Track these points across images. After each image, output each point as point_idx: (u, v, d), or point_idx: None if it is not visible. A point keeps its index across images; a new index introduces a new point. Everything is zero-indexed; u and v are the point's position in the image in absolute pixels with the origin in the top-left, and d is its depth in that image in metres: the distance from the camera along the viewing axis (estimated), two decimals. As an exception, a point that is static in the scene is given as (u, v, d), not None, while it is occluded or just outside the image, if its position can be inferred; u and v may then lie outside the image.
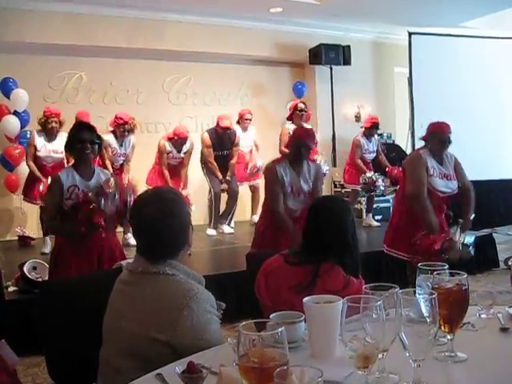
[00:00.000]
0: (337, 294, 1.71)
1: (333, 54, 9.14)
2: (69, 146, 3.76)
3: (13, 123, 7.01)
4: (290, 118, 7.75)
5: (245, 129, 7.86)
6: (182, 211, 1.97)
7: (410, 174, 4.35)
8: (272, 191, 4.21)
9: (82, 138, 3.61)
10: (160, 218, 1.88)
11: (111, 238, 3.79)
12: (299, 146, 4.22)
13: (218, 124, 7.35)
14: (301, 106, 7.78)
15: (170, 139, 7.18)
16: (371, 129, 7.92)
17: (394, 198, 4.67)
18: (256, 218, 8.14)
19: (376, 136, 8.12)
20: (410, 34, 9.13)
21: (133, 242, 6.35)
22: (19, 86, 7.16)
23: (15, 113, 7.08)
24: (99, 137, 3.77)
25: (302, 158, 4.25)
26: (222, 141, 7.42)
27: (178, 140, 7.11)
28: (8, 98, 7.14)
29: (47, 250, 6.25)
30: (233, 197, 7.64)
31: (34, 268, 4.67)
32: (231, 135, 7.45)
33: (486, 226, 7.40)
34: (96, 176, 3.68)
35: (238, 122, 7.85)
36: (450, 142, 4.39)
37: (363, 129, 8.03)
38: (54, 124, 6.31)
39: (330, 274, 2.28)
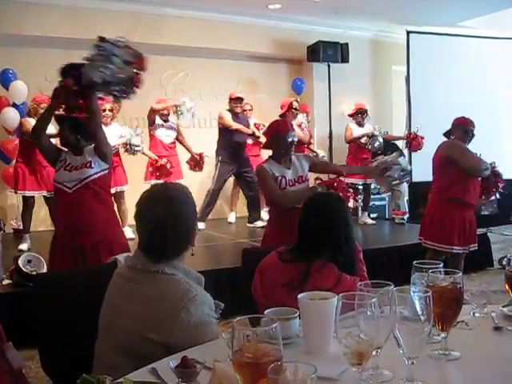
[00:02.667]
0: (328, 291, 1.71)
1: (331, 52, 9.14)
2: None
3: (12, 116, 6.97)
4: (283, 115, 7.63)
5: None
6: (190, 212, 1.95)
7: (462, 154, 4.71)
8: (267, 185, 3.87)
9: None
10: (168, 219, 1.85)
11: (110, 234, 3.75)
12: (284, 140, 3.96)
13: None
14: (295, 104, 7.80)
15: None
16: (355, 115, 8.04)
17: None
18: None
19: (369, 125, 8.15)
20: (408, 32, 9.14)
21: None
22: (17, 78, 7.14)
23: (14, 105, 7.06)
24: None
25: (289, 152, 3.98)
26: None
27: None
28: (7, 89, 7.12)
29: (25, 246, 6.22)
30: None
31: (29, 261, 4.66)
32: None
33: (481, 226, 7.41)
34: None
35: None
36: (473, 134, 4.83)
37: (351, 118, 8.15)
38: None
39: (322, 271, 2.24)
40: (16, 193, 6.49)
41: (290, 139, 3.87)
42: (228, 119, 7.35)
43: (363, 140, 7.90)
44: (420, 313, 1.31)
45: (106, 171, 3.77)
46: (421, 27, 9.23)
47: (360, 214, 8.13)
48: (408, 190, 8.36)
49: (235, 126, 7.29)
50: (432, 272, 1.58)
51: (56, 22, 7.42)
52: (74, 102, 3.67)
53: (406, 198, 8.58)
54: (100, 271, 2.34)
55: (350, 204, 4.35)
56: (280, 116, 7.68)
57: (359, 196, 8.22)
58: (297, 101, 7.96)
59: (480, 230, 6.84)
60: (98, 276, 2.11)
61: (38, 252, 4.92)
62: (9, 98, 7.11)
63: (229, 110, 7.47)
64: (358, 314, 1.29)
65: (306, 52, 9.28)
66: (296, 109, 7.77)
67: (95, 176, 3.71)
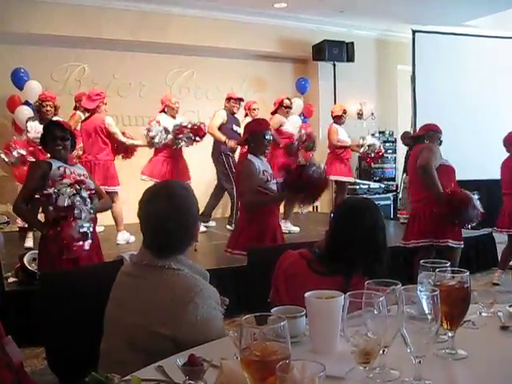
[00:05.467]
0: None
1: (336, 51, 9.14)
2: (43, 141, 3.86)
3: (26, 114, 6.98)
4: (274, 113, 7.74)
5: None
6: (192, 208, 1.96)
7: (424, 154, 4.65)
8: (248, 182, 4.08)
9: (54, 134, 3.71)
10: (171, 215, 1.86)
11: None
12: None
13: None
14: (286, 102, 7.81)
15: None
16: (341, 117, 8.02)
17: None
18: None
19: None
20: (414, 31, 9.13)
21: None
22: (30, 77, 7.20)
23: (26, 103, 7.08)
24: (71, 133, 3.84)
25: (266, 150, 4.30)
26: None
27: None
28: (20, 88, 7.15)
29: (31, 244, 6.18)
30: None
31: (34, 259, 4.65)
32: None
33: (486, 226, 7.39)
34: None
35: (246, 115, 7.78)
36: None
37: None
38: (48, 108, 6.28)
39: (358, 286, 2.07)
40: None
41: (267, 137, 4.17)
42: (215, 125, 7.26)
43: (361, 150, 7.97)
44: (427, 312, 1.31)
45: None
46: (426, 26, 9.21)
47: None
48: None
49: (217, 134, 7.17)
50: (439, 271, 1.58)
51: (62, 21, 7.45)
52: None
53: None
54: (106, 269, 2.34)
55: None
56: (271, 113, 7.73)
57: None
58: (288, 99, 7.93)
59: (485, 230, 6.85)
60: (104, 274, 2.12)
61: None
62: (21, 96, 7.14)
63: (223, 109, 7.38)
64: (365, 313, 1.29)
65: (311, 51, 9.29)
66: (287, 107, 7.76)
67: None
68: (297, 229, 6.92)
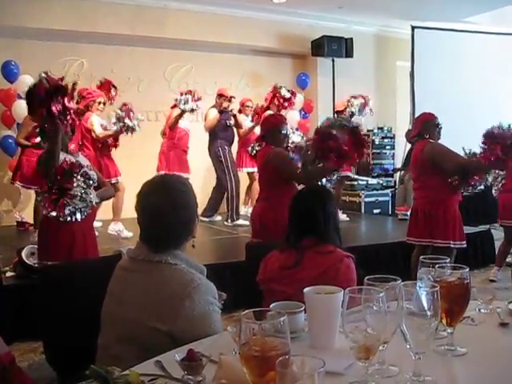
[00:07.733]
0: (323, 256, 2.20)
1: (335, 46, 9.13)
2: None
3: (23, 108, 6.94)
4: (268, 108, 7.83)
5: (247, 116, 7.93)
6: (190, 203, 1.95)
7: (445, 155, 4.43)
8: (292, 164, 4.26)
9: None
10: (169, 210, 1.86)
11: (83, 225, 3.72)
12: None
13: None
14: (282, 91, 7.89)
15: None
16: (344, 112, 8.33)
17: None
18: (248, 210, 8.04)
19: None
20: (413, 27, 9.13)
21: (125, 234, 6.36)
22: (20, 70, 7.16)
23: (19, 97, 7.06)
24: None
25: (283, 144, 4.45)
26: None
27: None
28: (10, 81, 7.11)
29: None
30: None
31: (33, 253, 4.63)
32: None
33: (484, 222, 7.41)
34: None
35: (240, 111, 7.88)
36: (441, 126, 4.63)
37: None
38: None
39: (314, 247, 2.35)
40: None
41: (283, 132, 4.31)
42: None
43: None
44: (427, 308, 1.30)
45: None
46: (426, 22, 9.20)
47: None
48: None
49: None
50: (439, 267, 1.57)
51: (59, 15, 7.42)
52: None
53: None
54: (104, 263, 2.34)
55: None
56: (265, 109, 7.77)
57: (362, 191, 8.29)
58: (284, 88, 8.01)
59: (483, 227, 6.87)
60: (102, 268, 2.11)
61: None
62: (13, 89, 7.13)
63: (214, 106, 7.48)
64: (364, 309, 1.28)
65: (310, 47, 9.27)
66: (284, 98, 7.85)
67: None
68: None
